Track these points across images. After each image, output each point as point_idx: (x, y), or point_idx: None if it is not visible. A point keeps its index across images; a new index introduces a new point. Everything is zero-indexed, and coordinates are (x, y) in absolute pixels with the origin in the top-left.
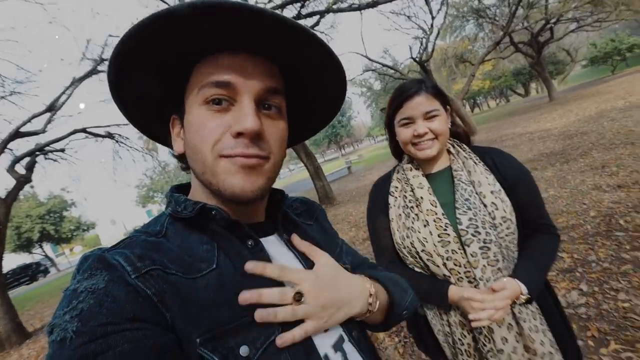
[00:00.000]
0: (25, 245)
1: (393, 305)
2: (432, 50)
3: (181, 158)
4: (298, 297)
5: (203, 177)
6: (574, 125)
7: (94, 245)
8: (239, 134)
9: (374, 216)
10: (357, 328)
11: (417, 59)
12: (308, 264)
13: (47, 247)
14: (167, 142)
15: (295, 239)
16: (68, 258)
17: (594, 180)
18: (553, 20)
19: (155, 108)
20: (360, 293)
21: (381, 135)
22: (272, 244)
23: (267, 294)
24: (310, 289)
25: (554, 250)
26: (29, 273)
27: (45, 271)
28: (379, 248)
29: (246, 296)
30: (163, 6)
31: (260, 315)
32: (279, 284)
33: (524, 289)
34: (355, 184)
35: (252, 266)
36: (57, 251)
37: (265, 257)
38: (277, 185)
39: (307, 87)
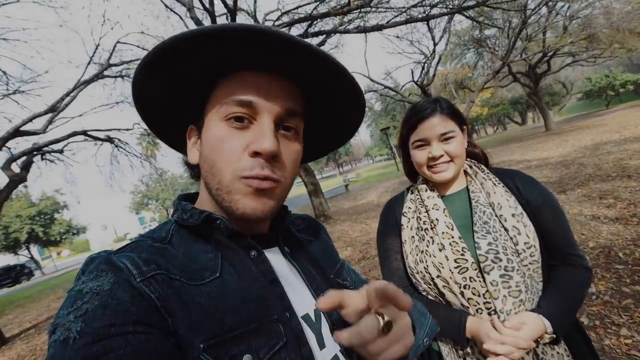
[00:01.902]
0: (12, 246)
1: (414, 330)
2: (434, 75)
3: (192, 167)
4: (387, 329)
5: (216, 192)
6: (571, 156)
7: (82, 250)
8: (255, 154)
9: (385, 237)
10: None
11: (418, 83)
12: (308, 278)
13: (34, 249)
14: (181, 150)
15: (322, 303)
16: (54, 262)
17: (592, 211)
18: (550, 54)
19: (174, 116)
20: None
21: (380, 156)
22: (273, 255)
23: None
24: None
25: (584, 285)
26: (12, 275)
27: (30, 274)
28: (389, 271)
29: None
30: (173, 17)
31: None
32: (282, 291)
33: (549, 327)
34: (352, 202)
35: None
36: (43, 254)
37: (267, 268)
38: None
39: (325, 110)
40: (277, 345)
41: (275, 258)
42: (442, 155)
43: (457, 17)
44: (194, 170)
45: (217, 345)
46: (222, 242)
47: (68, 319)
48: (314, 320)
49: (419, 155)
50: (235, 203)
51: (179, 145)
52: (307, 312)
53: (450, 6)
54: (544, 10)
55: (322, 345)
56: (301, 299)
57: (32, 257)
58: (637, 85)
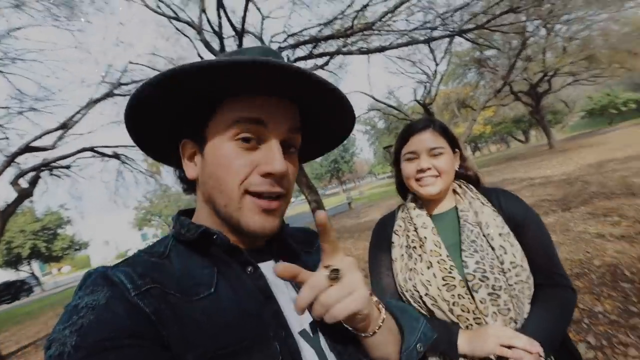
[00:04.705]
0: (14, 262)
1: (403, 336)
2: (435, 95)
3: (185, 181)
4: (334, 276)
5: (224, 209)
6: (575, 173)
7: (83, 266)
8: (267, 175)
9: (376, 254)
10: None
11: (420, 102)
12: None
13: (35, 265)
14: (167, 161)
15: (279, 268)
16: (55, 278)
17: (596, 229)
18: (550, 73)
19: (166, 129)
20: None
21: (383, 173)
22: (267, 269)
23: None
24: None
25: (570, 307)
26: (12, 291)
27: (30, 290)
28: (379, 288)
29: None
30: (183, 39)
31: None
32: (278, 308)
33: (541, 351)
34: (355, 220)
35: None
36: (44, 270)
37: (264, 283)
38: None
39: (317, 121)
40: None
41: (270, 272)
42: (429, 169)
43: (458, 39)
44: (187, 184)
45: None
46: (219, 257)
47: (64, 334)
48: (311, 335)
49: (408, 168)
50: (245, 220)
51: (165, 157)
52: (304, 327)
53: (451, 29)
54: (543, 31)
55: (323, 359)
56: (297, 314)
57: (32, 273)
58: (639, 104)
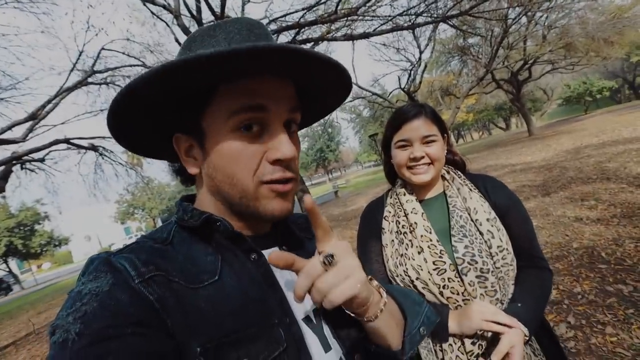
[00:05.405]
0: None
1: (405, 320)
2: (420, 82)
3: (184, 174)
4: (328, 261)
5: (239, 201)
6: (553, 159)
7: (65, 262)
8: (276, 161)
9: (365, 240)
10: (361, 351)
11: (405, 90)
12: None
13: (13, 263)
14: (158, 156)
15: (272, 256)
16: (35, 275)
17: (574, 213)
18: (530, 61)
19: (155, 123)
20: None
21: (369, 161)
22: None
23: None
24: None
25: (549, 288)
26: None
27: (8, 289)
28: (369, 273)
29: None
30: (159, 24)
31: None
32: (282, 295)
33: (525, 331)
34: (341, 208)
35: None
36: (23, 267)
37: (267, 270)
38: None
39: (313, 93)
40: (277, 350)
41: None
42: (422, 157)
43: (442, 26)
44: (186, 177)
45: (213, 349)
46: (222, 244)
47: (67, 321)
48: (315, 322)
49: (401, 155)
50: (263, 207)
51: (153, 153)
52: (308, 314)
53: (435, 15)
54: (524, 19)
55: (327, 347)
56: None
57: (10, 271)
58: (613, 92)
